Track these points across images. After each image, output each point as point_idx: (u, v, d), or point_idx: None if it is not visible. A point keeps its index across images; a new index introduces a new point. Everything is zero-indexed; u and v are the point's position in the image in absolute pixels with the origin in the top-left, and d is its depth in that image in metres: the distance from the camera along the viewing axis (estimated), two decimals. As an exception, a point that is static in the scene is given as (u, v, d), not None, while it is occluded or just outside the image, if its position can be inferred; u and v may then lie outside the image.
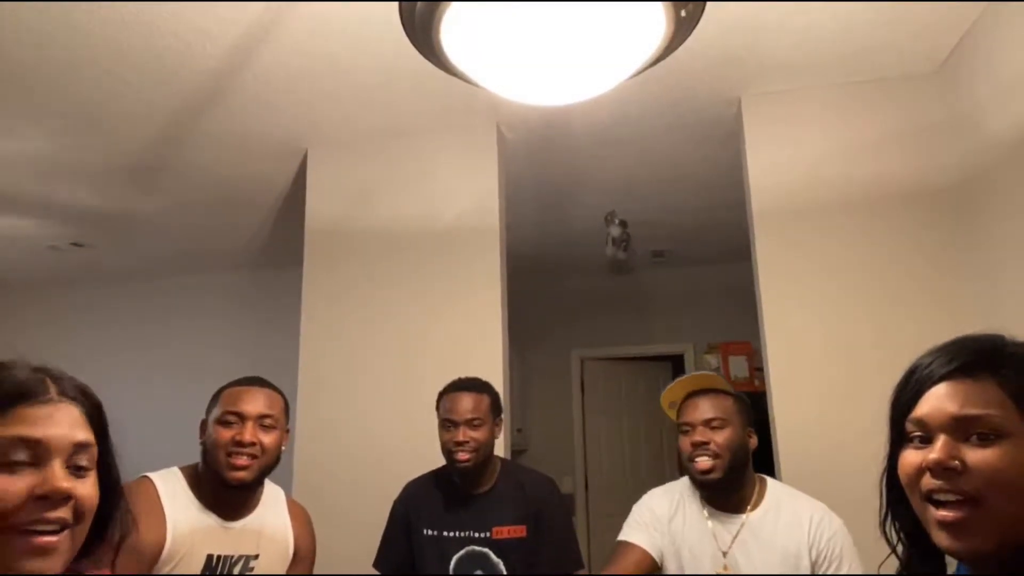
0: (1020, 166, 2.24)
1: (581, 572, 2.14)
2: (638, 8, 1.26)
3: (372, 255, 3.20)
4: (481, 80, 1.46)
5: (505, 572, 2.03)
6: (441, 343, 3.02)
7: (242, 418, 1.63)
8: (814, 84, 2.85)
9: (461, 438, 2.04)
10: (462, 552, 2.06)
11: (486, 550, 2.05)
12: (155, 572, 1.52)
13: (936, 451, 0.81)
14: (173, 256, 5.21)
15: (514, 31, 1.29)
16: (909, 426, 0.85)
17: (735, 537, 1.76)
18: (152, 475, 1.63)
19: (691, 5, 1.26)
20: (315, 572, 1.87)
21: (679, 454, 1.86)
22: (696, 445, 1.78)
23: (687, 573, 1.79)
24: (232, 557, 1.63)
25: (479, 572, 2.04)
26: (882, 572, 1.05)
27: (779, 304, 2.75)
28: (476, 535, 2.06)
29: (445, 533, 2.09)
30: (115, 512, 0.91)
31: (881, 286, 2.66)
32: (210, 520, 1.62)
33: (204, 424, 1.69)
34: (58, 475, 0.84)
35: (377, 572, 2.17)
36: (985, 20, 2.38)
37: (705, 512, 1.83)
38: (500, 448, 2.40)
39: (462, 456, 2.04)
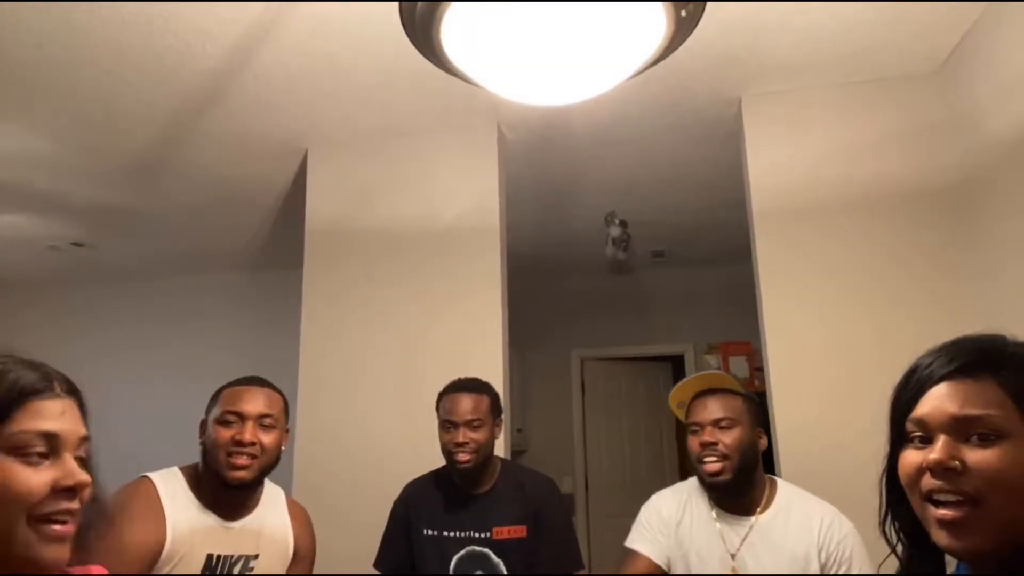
0: (1020, 166, 2.24)
1: (581, 572, 2.14)
2: (638, 8, 1.26)
3: (372, 255, 3.20)
4: (481, 80, 1.46)
5: (505, 572, 2.03)
6: (441, 343, 3.02)
7: (242, 418, 1.63)
8: (814, 84, 2.85)
9: (461, 439, 2.04)
10: (462, 552, 2.06)
11: (486, 550, 2.05)
12: (155, 572, 1.52)
13: (936, 451, 0.80)
14: (173, 256, 5.21)
15: (514, 31, 1.29)
16: (909, 426, 0.85)
17: (744, 539, 1.74)
18: (152, 475, 1.63)
19: (691, 5, 1.26)
20: (315, 572, 1.87)
21: (688, 454, 1.83)
22: (704, 445, 1.75)
23: (693, 571, 1.77)
24: (232, 557, 1.63)
25: (479, 572, 2.04)
26: (882, 572, 1.05)
27: (779, 304, 2.75)
28: (476, 535, 2.06)
29: (445, 533, 2.09)
30: (92, 505, 0.93)
31: (881, 286, 2.65)
32: (210, 520, 1.62)
33: (204, 424, 1.69)
34: (75, 468, 0.89)
35: (377, 572, 2.17)
36: (985, 20, 2.38)
37: (714, 514, 1.80)
38: (500, 448, 2.40)
39: (462, 457, 2.04)
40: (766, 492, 1.79)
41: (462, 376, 2.21)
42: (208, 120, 3.06)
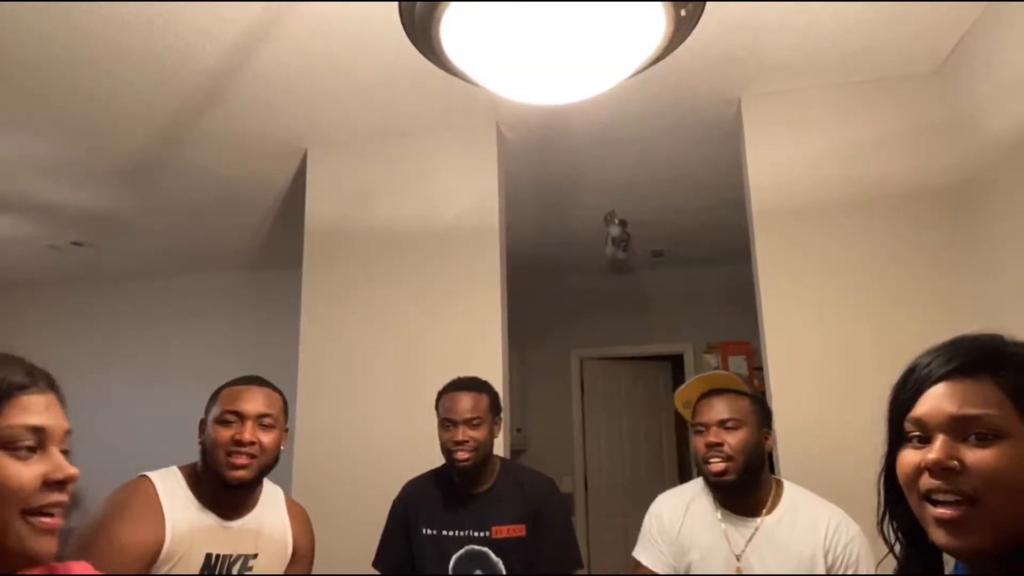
0: (1020, 166, 2.24)
1: (580, 572, 2.13)
2: (638, 8, 1.26)
3: (372, 255, 3.20)
4: (481, 80, 1.46)
5: (504, 571, 2.03)
6: (441, 343, 3.02)
7: (241, 417, 1.63)
8: (814, 84, 2.85)
9: (460, 437, 2.04)
10: (461, 551, 2.06)
11: (485, 549, 2.05)
12: (154, 571, 1.52)
13: (935, 451, 0.81)
14: (173, 255, 5.21)
15: (514, 31, 1.29)
16: (907, 426, 0.85)
17: (749, 541, 1.73)
18: (151, 474, 1.63)
19: (691, 5, 1.26)
20: (314, 571, 1.87)
21: (692, 454, 1.83)
22: (710, 446, 1.74)
23: (697, 572, 1.77)
24: (231, 556, 1.63)
25: (478, 572, 2.04)
26: (880, 571, 1.06)
27: (779, 304, 2.75)
28: (475, 534, 2.06)
29: (444, 532, 2.09)
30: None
31: (881, 286, 2.66)
32: (209, 519, 1.62)
33: (203, 423, 1.69)
34: (64, 461, 0.91)
35: (376, 571, 2.17)
36: (985, 20, 2.38)
37: (719, 514, 1.79)
38: (499, 447, 2.40)
39: (461, 456, 2.04)
40: (772, 493, 1.78)
41: (461, 375, 2.21)
42: (208, 120, 3.06)
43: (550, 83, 1.44)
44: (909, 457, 0.84)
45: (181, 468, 1.68)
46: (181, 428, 2.67)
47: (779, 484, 1.82)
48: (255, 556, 1.67)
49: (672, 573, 1.83)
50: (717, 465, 1.73)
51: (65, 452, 0.93)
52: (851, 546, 1.68)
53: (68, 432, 0.95)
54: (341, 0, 2.27)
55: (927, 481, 0.81)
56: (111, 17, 2.33)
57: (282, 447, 1.72)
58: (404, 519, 2.16)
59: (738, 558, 1.72)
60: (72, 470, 0.90)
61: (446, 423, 2.09)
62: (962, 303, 2.55)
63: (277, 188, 3.85)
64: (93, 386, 5.69)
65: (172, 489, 1.61)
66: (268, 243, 4.82)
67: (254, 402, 1.66)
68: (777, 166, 2.85)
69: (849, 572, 1.66)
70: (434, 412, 2.16)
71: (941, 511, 0.80)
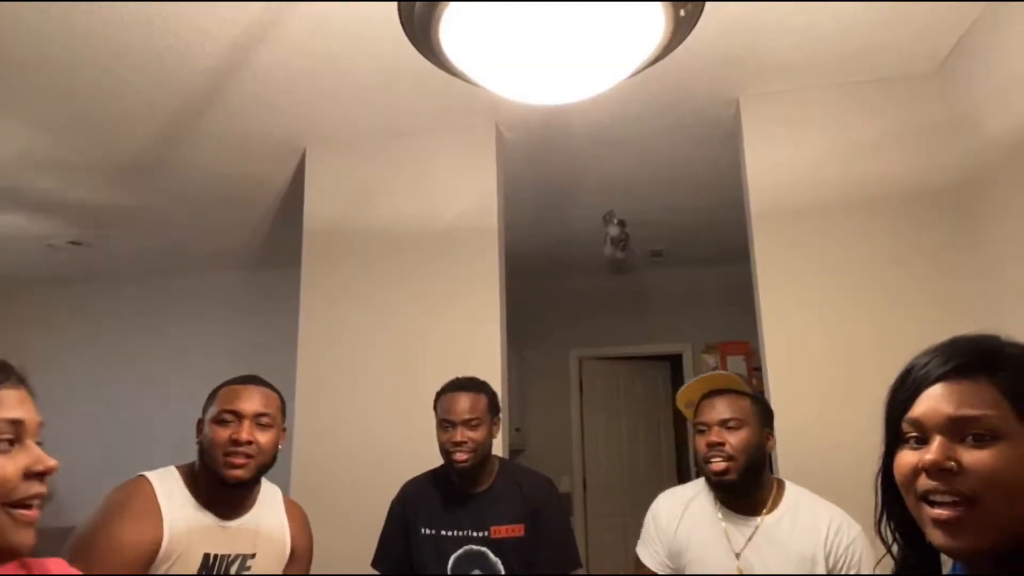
0: (1019, 166, 2.24)
1: (579, 572, 2.13)
2: (637, 8, 1.26)
3: (371, 255, 3.20)
4: (480, 80, 1.45)
5: (503, 571, 2.03)
6: (440, 343, 3.02)
7: (239, 416, 1.63)
8: (813, 84, 2.85)
9: (459, 438, 2.04)
10: (460, 551, 2.06)
11: (484, 549, 2.05)
12: (152, 571, 1.52)
13: (932, 452, 0.81)
14: (171, 255, 5.21)
15: (513, 31, 1.29)
16: (905, 426, 0.85)
17: (749, 540, 1.74)
18: (149, 474, 1.62)
19: (690, 5, 1.26)
20: (313, 571, 1.87)
21: (695, 454, 1.84)
22: (711, 446, 1.75)
23: (695, 572, 1.78)
24: (229, 556, 1.63)
25: (477, 572, 2.04)
26: (878, 572, 1.06)
27: (778, 304, 2.75)
28: (474, 534, 2.06)
29: (443, 532, 2.08)
30: None
31: (880, 286, 2.66)
32: (207, 519, 1.62)
33: (200, 423, 1.69)
34: (42, 453, 0.91)
35: (375, 571, 2.17)
36: (984, 20, 2.38)
37: (719, 514, 1.80)
38: (498, 447, 2.40)
39: (460, 456, 2.04)
40: (773, 493, 1.79)
41: (460, 375, 2.20)
42: (207, 119, 3.06)
43: (549, 83, 1.44)
44: (907, 458, 0.84)
45: (179, 468, 1.68)
46: (179, 428, 2.67)
47: (780, 484, 1.82)
48: (253, 556, 1.67)
49: (667, 571, 1.85)
50: (719, 464, 1.73)
51: (39, 444, 0.94)
52: (853, 547, 1.68)
53: (41, 425, 0.96)
54: (341, 0, 2.27)
55: (925, 482, 0.81)
56: (110, 17, 2.33)
57: (280, 447, 1.72)
58: (403, 519, 2.16)
59: (738, 556, 1.73)
60: (52, 462, 0.91)
61: (444, 424, 2.09)
62: (961, 303, 2.55)
63: (276, 188, 3.85)
64: (92, 386, 5.69)
65: (170, 489, 1.61)
66: (267, 243, 4.82)
67: (251, 401, 1.65)
68: (776, 166, 2.85)
69: (851, 573, 1.66)
70: (433, 412, 2.16)
71: (939, 512, 0.80)
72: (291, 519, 1.80)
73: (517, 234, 3.76)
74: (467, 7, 1.25)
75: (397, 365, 3.04)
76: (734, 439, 1.74)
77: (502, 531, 2.06)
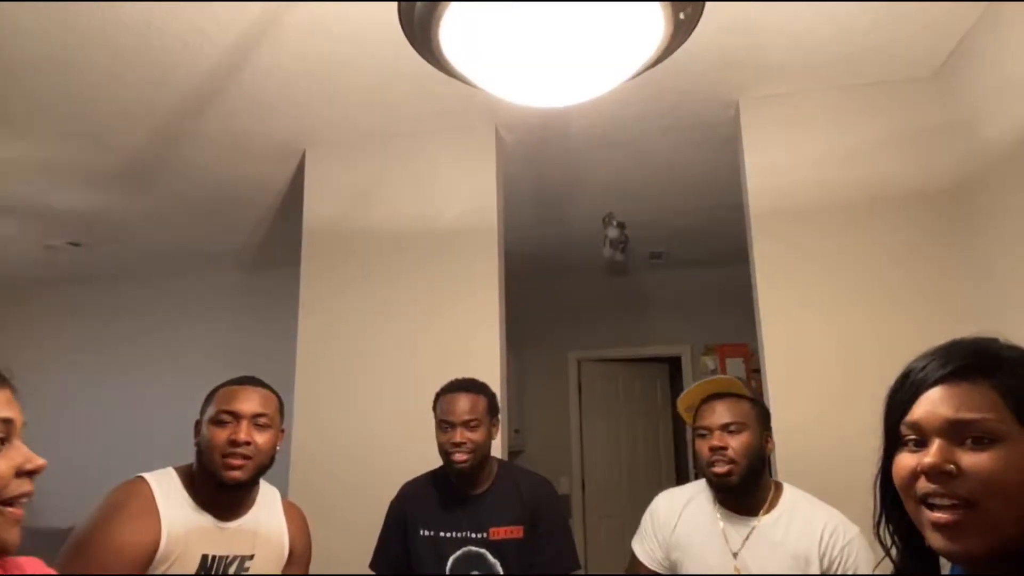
0: (1017, 169, 2.24)
1: (578, 573, 2.13)
2: (637, 10, 1.26)
3: (370, 256, 3.20)
4: (480, 82, 1.46)
5: (502, 573, 2.03)
6: (439, 343, 3.02)
7: (236, 417, 1.63)
8: (813, 87, 2.86)
9: (458, 439, 2.04)
10: (459, 553, 2.06)
11: (483, 551, 2.05)
12: (150, 572, 1.52)
13: (931, 455, 0.81)
14: (170, 256, 5.21)
15: (512, 34, 1.29)
16: (904, 429, 0.85)
17: (746, 540, 1.76)
18: (147, 475, 1.62)
19: (690, 8, 1.26)
20: (312, 572, 1.87)
21: (696, 457, 1.86)
22: (714, 450, 1.77)
23: (693, 570, 1.80)
24: (227, 557, 1.63)
25: (476, 573, 2.04)
26: (877, 573, 1.06)
27: (777, 306, 2.76)
28: (473, 536, 2.06)
29: (442, 533, 2.08)
30: None
31: (879, 288, 2.66)
32: (205, 520, 1.62)
33: (198, 425, 1.69)
34: (31, 452, 0.92)
35: (374, 572, 2.17)
36: (983, 23, 2.38)
37: (718, 513, 1.83)
38: (497, 449, 2.40)
39: (459, 457, 2.04)
40: (771, 494, 1.81)
41: (459, 376, 2.21)
42: (206, 120, 3.06)
43: (549, 86, 1.44)
44: (905, 461, 0.84)
45: (177, 469, 1.68)
46: (178, 428, 2.66)
47: (779, 486, 1.85)
48: (251, 557, 1.67)
49: (661, 568, 1.88)
50: (721, 468, 1.76)
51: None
52: (848, 548, 1.69)
53: (24, 424, 0.97)
54: (340, 0, 2.27)
55: (924, 485, 0.81)
56: (109, 18, 2.33)
57: (278, 448, 1.72)
58: (401, 520, 2.16)
59: (735, 556, 1.75)
60: (41, 461, 0.92)
61: (444, 425, 2.09)
62: (960, 305, 2.56)
63: (275, 189, 3.85)
64: (91, 387, 5.68)
65: (168, 490, 1.61)
66: (266, 244, 4.82)
67: (249, 402, 1.65)
68: (776, 168, 2.86)
69: (847, 573, 1.67)
70: (432, 413, 2.16)
71: (938, 515, 0.80)
72: (289, 521, 1.79)
73: (516, 236, 3.77)
74: (467, 8, 1.25)
75: (396, 366, 3.04)
76: (736, 442, 1.76)
77: (501, 533, 2.05)
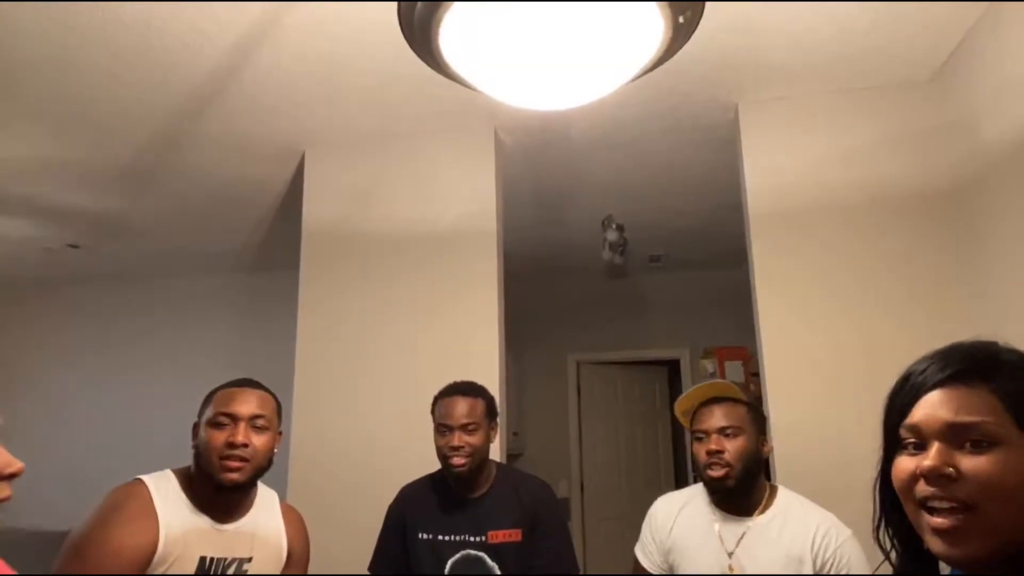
0: (1016, 172, 2.24)
1: (576, 577, 2.13)
2: (636, 13, 1.26)
3: (369, 258, 3.20)
4: (479, 84, 1.46)
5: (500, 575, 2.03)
6: (438, 346, 3.02)
7: (234, 419, 1.62)
8: (812, 89, 2.86)
9: (456, 443, 2.04)
10: (457, 556, 2.05)
11: (482, 554, 2.05)
12: (148, 574, 1.52)
13: (930, 458, 0.81)
14: (170, 257, 5.21)
15: (512, 36, 1.29)
16: (903, 432, 0.85)
17: (740, 540, 1.79)
18: (145, 477, 1.62)
19: (689, 11, 1.26)
20: (311, 574, 1.87)
21: (694, 461, 1.89)
22: (711, 453, 1.80)
23: (689, 570, 1.83)
24: (226, 560, 1.63)
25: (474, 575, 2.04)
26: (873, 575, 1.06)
27: (776, 308, 2.76)
28: (472, 539, 2.06)
29: (440, 537, 2.08)
30: None
31: (878, 292, 2.66)
32: (203, 522, 1.62)
33: (196, 427, 1.68)
34: (10, 456, 0.91)
35: (373, 575, 2.17)
36: (982, 26, 2.39)
37: (713, 515, 1.86)
38: (496, 452, 2.40)
39: (457, 461, 2.04)
40: (766, 496, 1.84)
41: (458, 379, 2.20)
42: (206, 121, 3.06)
43: (548, 88, 1.44)
44: (904, 464, 0.84)
45: (175, 471, 1.67)
46: (176, 430, 2.66)
47: (774, 489, 1.87)
48: (250, 560, 1.67)
49: (661, 571, 1.92)
50: (718, 471, 1.78)
51: None
52: (841, 549, 1.71)
53: (1, 427, 0.96)
54: (340, 0, 2.27)
55: (923, 488, 0.81)
56: (109, 18, 2.33)
57: (275, 450, 1.71)
58: (400, 523, 2.15)
59: (730, 555, 1.78)
60: (19, 464, 0.91)
61: (442, 428, 2.08)
62: (958, 308, 2.56)
63: (275, 190, 3.85)
64: (89, 388, 5.68)
65: (166, 492, 1.60)
66: (266, 245, 4.82)
67: (247, 404, 1.65)
68: (775, 171, 2.86)
69: (840, 574, 1.69)
70: (430, 415, 2.16)
71: (938, 520, 0.79)
72: (288, 523, 1.79)
73: (515, 238, 3.77)
74: (467, 11, 1.25)
75: (395, 368, 3.04)
76: (732, 446, 1.79)
77: (499, 536, 2.05)
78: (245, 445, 1.60)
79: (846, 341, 2.64)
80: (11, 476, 0.89)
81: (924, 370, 0.86)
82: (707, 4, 1.28)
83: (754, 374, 4.70)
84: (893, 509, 0.89)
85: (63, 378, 5.74)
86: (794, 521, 1.77)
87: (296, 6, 2.29)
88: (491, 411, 2.16)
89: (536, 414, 5.80)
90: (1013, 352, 0.85)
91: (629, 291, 5.77)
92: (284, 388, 2.22)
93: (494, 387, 2.76)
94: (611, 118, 3.05)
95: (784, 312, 2.74)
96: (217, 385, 1.73)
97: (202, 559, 1.59)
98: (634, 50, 1.35)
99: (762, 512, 1.81)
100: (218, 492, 1.62)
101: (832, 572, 1.69)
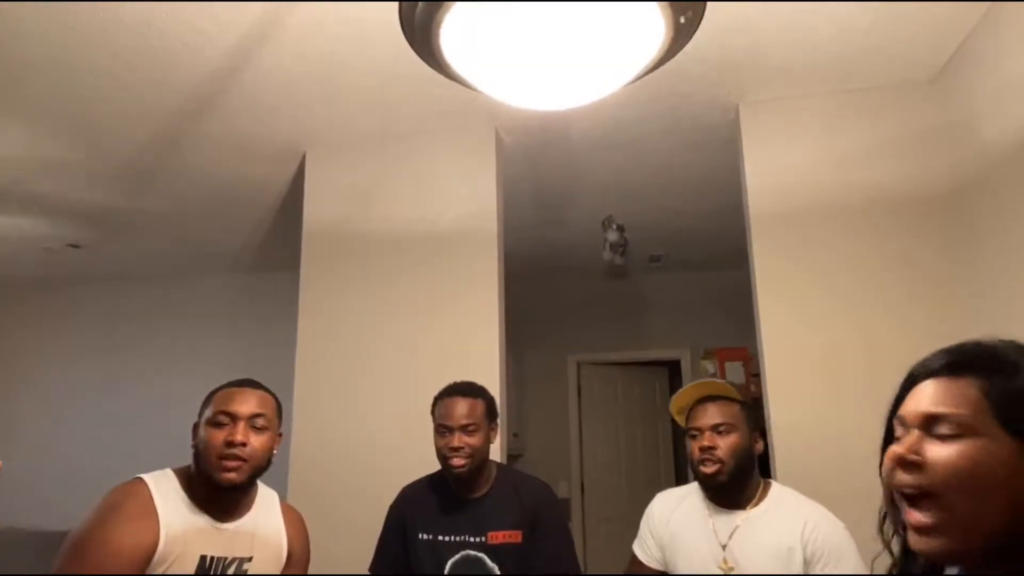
0: (1016, 174, 2.24)
1: (577, 576, 2.13)
2: (637, 14, 1.26)
3: (370, 258, 3.20)
4: (480, 85, 1.46)
5: (500, 576, 2.03)
6: (438, 346, 3.02)
7: (233, 418, 1.62)
8: (812, 91, 2.86)
9: (456, 444, 2.03)
10: (457, 557, 2.05)
11: (482, 555, 2.05)
12: (148, 573, 1.52)
13: (901, 445, 0.83)
14: (170, 258, 5.21)
15: (512, 37, 1.29)
16: (895, 423, 0.88)
17: (733, 533, 1.83)
18: (145, 476, 1.62)
19: (690, 11, 1.26)
20: (311, 574, 1.87)
21: (689, 457, 1.94)
22: (704, 450, 1.85)
23: (684, 562, 1.87)
24: (226, 559, 1.63)
25: (474, 576, 2.04)
26: (875, 571, 1.06)
27: (777, 309, 2.76)
28: (472, 540, 2.06)
29: (440, 537, 2.08)
30: None
31: (879, 292, 2.66)
32: (203, 521, 1.62)
33: (196, 427, 1.69)
34: None
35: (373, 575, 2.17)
36: (983, 27, 2.39)
37: (708, 510, 1.90)
38: (496, 452, 2.40)
39: (457, 462, 2.03)
40: (759, 491, 1.88)
41: (458, 379, 2.20)
42: (206, 122, 3.06)
43: (549, 89, 1.44)
44: (888, 453, 0.86)
45: (175, 470, 1.67)
46: (177, 430, 2.66)
47: (767, 484, 1.92)
48: (250, 559, 1.67)
49: (659, 565, 1.97)
50: (710, 467, 1.84)
51: None
52: (831, 539, 1.74)
53: None
54: (340, 0, 2.27)
55: (897, 476, 0.83)
56: (109, 18, 2.33)
57: (275, 451, 1.71)
58: (400, 524, 2.15)
59: (724, 548, 1.83)
60: None
61: (441, 429, 2.08)
62: (959, 308, 2.56)
63: (275, 190, 3.85)
64: (89, 389, 5.68)
65: (166, 491, 1.60)
66: (266, 245, 4.82)
67: (247, 404, 1.65)
68: (776, 171, 2.86)
69: (831, 564, 1.71)
70: (430, 415, 2.16)
71: (915, 517, 0.81)
72: (288, 523, 1.79)
73: (516, 238, 3.77)
74: (468, 11, 1.25)
75: (395, 368, 3.04)
76: (724, 443, 1.84)
77: (499, 537, 2.05)
78: (243, 444, 1.60)
79: (846, 342, 2.64)
80: None
81: (923, 363, 0.88)
82: (708, 4, 1.28)
83: (755, 375, 4.69)
84: (891, 502, 0.90)
85: (63, 378, 5.74)
86: (786, 513, 1.81)
87: (296, 6, 2.29)
88: (491, 412, 2.15)
89: (536, 415, 5.80)
90: (1018, 351, 0.85)
91: (629, 291, 5.77)
92: (284, 388, 2.22)
93: (494, 387, 2.76)
94: (611, 118, 3.05)
95: (785, 313, 2.74)
96: (217, 385, 1.73)
97: (202, 558, 1.59)
98: (635, 50, 1.35)
99: (755, 506, 1.86)
100: (217, 492, 1.62)
101: (821, 562, 1.72)
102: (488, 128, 3.17)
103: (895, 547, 0.92)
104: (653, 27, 1.28)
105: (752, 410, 1.96)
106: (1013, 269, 2.27)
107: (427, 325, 3.06)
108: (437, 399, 2.14)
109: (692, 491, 1.98)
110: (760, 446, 1.91)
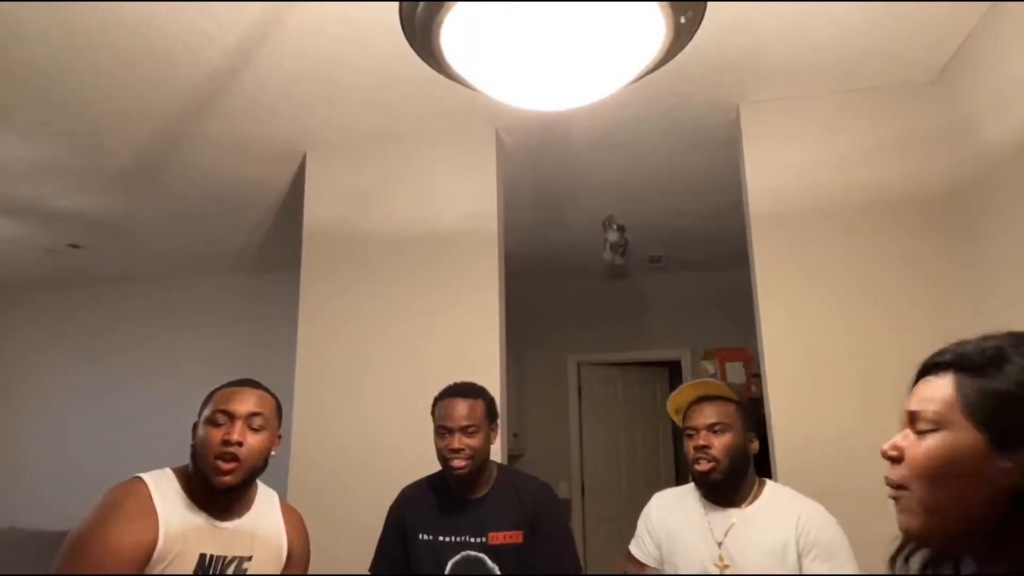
0: (1016, 174, 2.24)
1: (578, 576, 2.13)
2: (638, 14, 1.26)
3: (370, 258, 3.20)
4: (481, 85, 1.46)
5: (500, 577, 2.03)
6: (439, 347, 3.02)
7: (231, 417, 1.62)
8: (812, 91, 2.86)
9: (456, 445, 2.03)
10: (458, 557, 2.05)
11: (482, 555, 2.04)
12: (148, 571, 1.52)
13: (888, 442, 0.88)
14: (171, 258, 5.21)
15: (513, 37, 1.29)
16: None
17: (728, 530, 1.86)
18: (144, 475, 1.62)
19: (691, 11, 1.26)
20: (311, 574, 1.87)
21: (685, 455, 1.97)
22: (699, 448, 1.89)
23: (683, 561, 1.90)
24: (225, 558, 1.63)
25: (474, 576, 2.03)
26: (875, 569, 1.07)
27: (777, 309, 2.75)
28: (472, 540, 2.05)
29: (440, 538, 2.07)
30: None
31: (880, 292, 2.66)
32: (202, 520, 1.61)
33: (195, 427, 1.69)
34: None
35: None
36: (983, 27, 2.39)
37: (704, 508, 1.93)
38: (497, 453, 2.40)
39: (457, 463, 2.03)
40: (754, 489, 1.91)
41: (458, 380, 2.20)
42: (206, 122, 3.06)
43: (550, 89, 1.44)
44: None
45: (174, 469, 1.67)
46: (177, 431, 2.66)
47: (762, 482, 1.95)
48: (250, 559, 1.67)
49: (657, 563, 1.99)
50: (704, 465, 1.88)
51: None
52: (823, 534, 1.76)
53: None
54: (340, 0, 2.27)
55: (887, 470, 0.89)
56: (109, 18, 2.33)
57: (273, 452, 1.71)
58: (400, 524, 2.15)
59: (719, 545, 1.85)
60: None
61: (442, 430, 2.08)
62: (959, 309, 2.55)
63: (276, 191, 3.85)
64: (89, 389, 5.68)
65: (165, 490, 1.60)
66: (266, 246, 4.82)
67: (245, 403, 1.65)
68: (776, 172, 2.85)
69: (820, 558, 1.73)
70: (430, 416, 2.16)
71: (897, 507, 0.87)
72: (288, 523, 1.79)
73: (516, 238, 3.77)
74: (468, 10, 1.25)
75: (396, 369, 3.04)
76: (719, 442, 1.88)
77: (500, 538, 2.05)
78: (239, 443, 1.60)
79: (847, 342, 2.64)
80: None
81: (922, 363, 0.91)
82: (708, 4, 1.28)
83: (755, 375, 4.69)
84: None
85: (63, 378, 5.74)
86: (780, 510, 1.84)
87: (296, 6, 2.29)
88: (491, 412, 2.15)
89: (536, 415, 5.80)
90: (1014, 345, 0.84)
91: (630, 292, 5.77)
92: (284, 388, 2.22)
93: (494, 388, 2.76)
94: (612, 118, 3.05)
95: (785, 313, 2.74)
96: (217, 385, 1.73)
97: (202, 556, 1.59)
98: (635, 51, 1.35)
99: (750, 503, 1.88)
100: (215, 491, 1.62)
101: (812, 554, 1.74)
102: (488, 128, 3.17)
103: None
104: (653, 27, 1.28)
105: (748, 410, 1.99)
106: (1013, 269, 2.27)
107: (427, 325, 3.06)
108: (437, 400, 2.14)
109: (689, 491, 2.01)
110: (755, 446, 1.94)
